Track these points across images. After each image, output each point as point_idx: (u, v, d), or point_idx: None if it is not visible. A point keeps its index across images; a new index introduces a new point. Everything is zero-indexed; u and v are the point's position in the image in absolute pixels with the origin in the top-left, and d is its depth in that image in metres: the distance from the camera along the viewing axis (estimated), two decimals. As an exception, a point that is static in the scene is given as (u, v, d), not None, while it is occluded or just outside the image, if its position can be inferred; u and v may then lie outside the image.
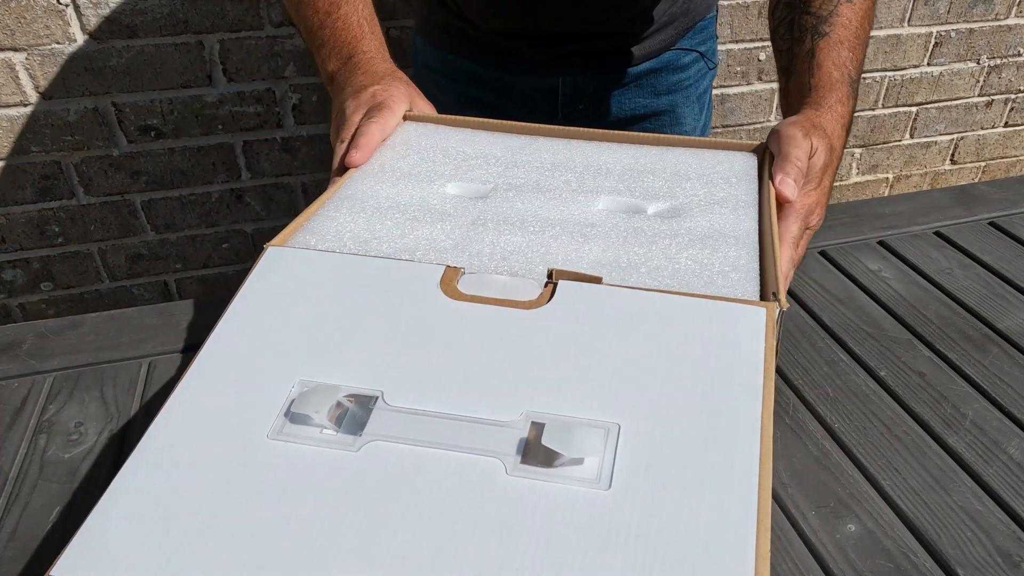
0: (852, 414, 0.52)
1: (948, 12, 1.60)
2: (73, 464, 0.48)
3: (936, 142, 1.83)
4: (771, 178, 0.52)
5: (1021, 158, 1.93)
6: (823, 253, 0.70)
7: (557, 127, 0.61)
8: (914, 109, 1.72)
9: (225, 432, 0.35)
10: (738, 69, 1.53)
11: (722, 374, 0.37)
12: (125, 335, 0.59)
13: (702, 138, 0.60)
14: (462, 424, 0.35)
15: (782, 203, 0.52)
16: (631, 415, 0.35)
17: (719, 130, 1.60)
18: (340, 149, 0.57)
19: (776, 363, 0.38)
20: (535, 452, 0.33)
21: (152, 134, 1.28)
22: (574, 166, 0.56)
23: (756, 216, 0.51)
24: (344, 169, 0.56)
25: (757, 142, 0.59)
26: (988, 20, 1.65)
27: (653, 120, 0.85)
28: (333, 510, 0.32)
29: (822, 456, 0.49)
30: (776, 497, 0.46)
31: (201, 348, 0.39)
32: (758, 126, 1.62)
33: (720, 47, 1.50)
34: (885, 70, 1.64)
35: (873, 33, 1.58)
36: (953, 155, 1.86)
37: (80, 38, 1.17)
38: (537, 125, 0.61)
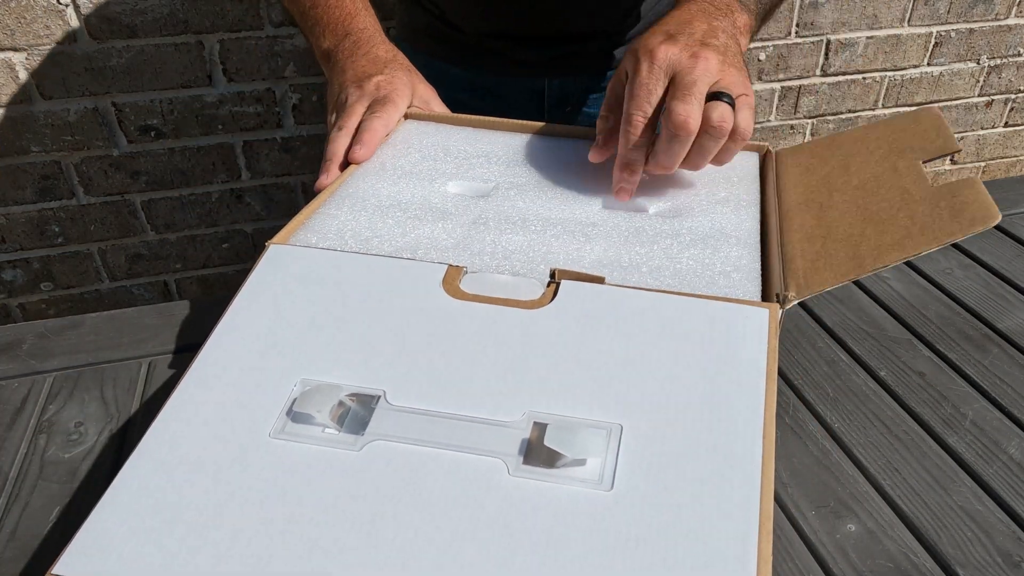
0: (852, 414, 0.52)
1: (948, 12, 1.60)
2: (73, 464, 0.48)
3: (936, 142, 1.82)
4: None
5: (1021, 158, 1.93)
6: (823, 253, 0.70)
7: (560, 126, 0.61)
8: (914, 109, 1.73)
9: (226, 431, 0.35)
10: (738, 69, 1.53)
11: (724, 375, 0.37)
12: (125, 335, 0.59)
13: None
14: (464, 424, 0.35)
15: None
16: (633, 416, 0.35)
17: (719, 130, 1.59)
18: (337, 136, 0.56)
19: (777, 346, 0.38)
20: (537, 452, 0.34)
21: (152, 134, 1.28)
22: (576, 165, 0.56)
23: (758, 216, 0.51)
24: (342, 161, 0.56)
25: (758, 142, 0.59)
26: (988, 20, 1.65)
27: None
28: (335, 510, 0.32)
29: (822, 456, 0.49)
30: (776, 497, 0.46)
31: (202, 347, 0.39)
32: (758, 126, 1.62)
33: (720, 47, 1.49)
34: (885, 70, 1.64)
35: (873, 33, 1.58)
36: (953, 155, 1.86)
37: (80, 38, 1.17)
38: (539, 124, 0.61)
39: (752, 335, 0.39)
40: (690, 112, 0.47)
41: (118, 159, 1.29)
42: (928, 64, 1.67)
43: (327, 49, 0.65)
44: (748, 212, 0.51)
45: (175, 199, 1.36)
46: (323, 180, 0.55)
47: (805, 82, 1.60)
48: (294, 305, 0.41)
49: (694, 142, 0.48)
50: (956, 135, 1.83)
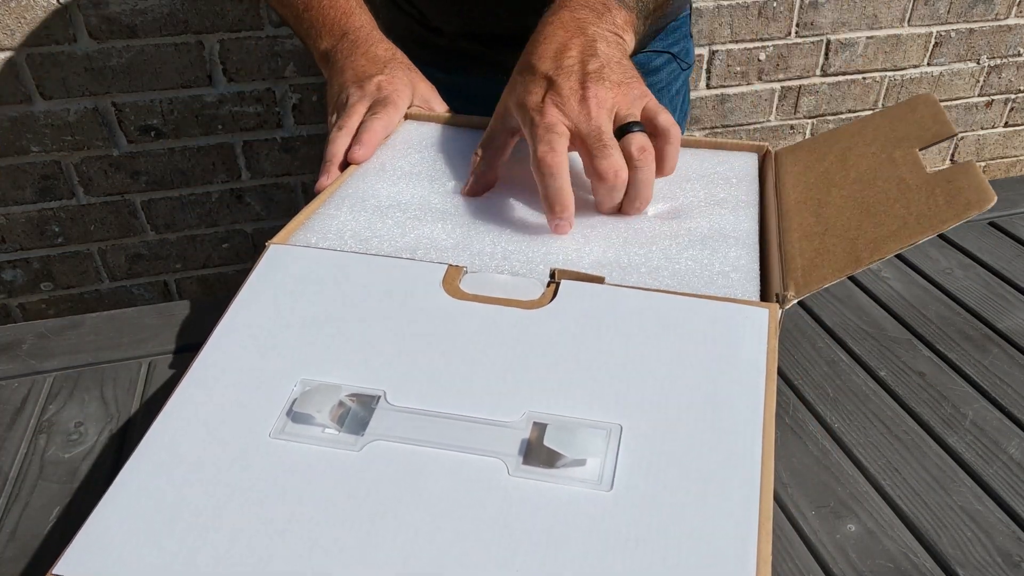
0: (852, 414, 0.52)
1: (948, 12, 1.60)
2: (73, 464, 0.48)
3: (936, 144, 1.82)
4: None
5: (1021, 158, 1.93)
6: (823, 253, 0.70)
7: None
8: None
9: (227, 431, 0.35)
10: (738, 69, 1.54)
11: (724, 375, 0.37)
12: (125, 335, 0.59)
13: (702, 138, 0.60)
14: (464, 424, 0.35)
15: None
16: (633, 416, 0.35)
17: (719, 130, 1.60)
18: (337, 137, 0.56)
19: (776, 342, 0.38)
20: (537, 453, 0.34)
21: (152, 134, 1.28)
22: (575, 165, 0.56)
23: (756, 217, 0.51)
24: (342, 161, 0.56)
25: (758, 142, 0.59)
26: (988, 20, 1.65)
27: None
28: (335, 510, 0.32)
29: (822, 456, 0.49)
30: (776, 497, 0.46)
31: (203, 347, 0.39)
32: (758, 126, 1.62)
33: (720, 47, 1.50)
34: (885, 70, 1.64)
35: (873, 33, 1.58)
36: (953, 155, 1.86)
37: (80, 38, 1.17)
38: None
39: (752, 335, 0.39)
40: (612, 164, 0.47)
41: (118, 159, 1.29)
42: (928, 64, 1.67)
43: (325, 50, 0.65)
44: (747, 212, 0.51)
45: (175, 199, 1.36)
46: (323, 181, 0.55)
47: (805, 82, 1.60)
48: (294, 305, 0.41)
49: (630, 179, 0.49)
50: (956, 134, 1.83)
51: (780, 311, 0.40)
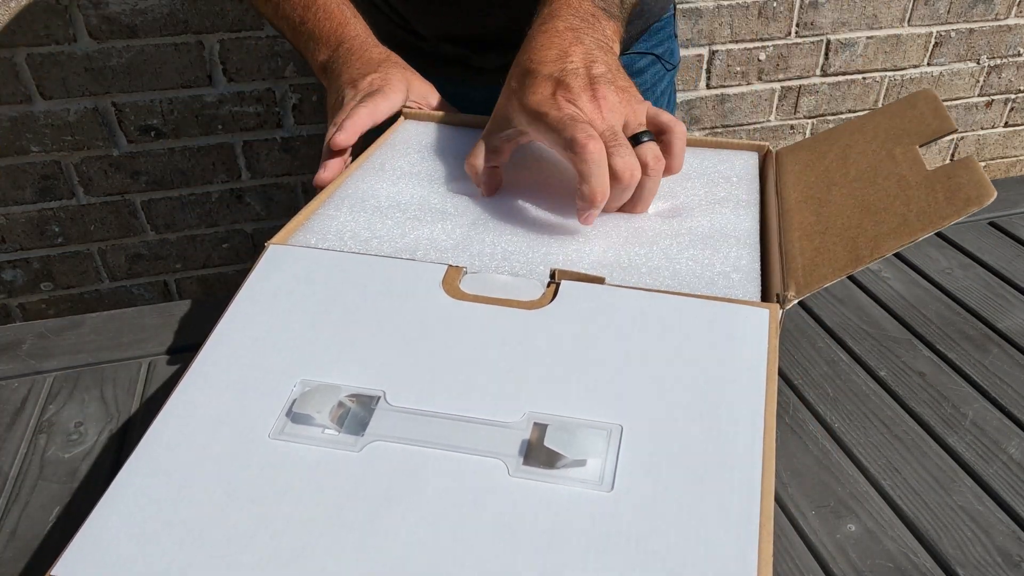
0: (852, 414, 0.52)
1: (948, 12, 1.60)
2: (73, 464, 0.48)
3: (936, 142, 1.83)
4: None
5: (1021, 158, 1.93)
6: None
7: None
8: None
9: (226, 432, 0.35)
10: (738, 69, 1.54)
11: (725, 376, 0.37)
12: (125, 335, 0.59)
13: (703, 138, 0.60)
14: (464, 425, 0.35)
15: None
16: (634, 416, 0.35)
17: (719, 130, 1.60)
18: (331, 133, 0.57)
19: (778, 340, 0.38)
20: (537, 453, 0.33)
21: (152, 134, 1.28)
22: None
23: (757, 216, 0.51)
24: (332, 153, 0.56)
25: (758, 142, 0.59)
26: (988, 20, 1.65)
27: None
28: (334, 510, 0.32)
29: (822, 456, 0.49)
30: (776, 497, 0.46)
31: (202, 347, 0.39)
32: (758, 126, 1.62)
33: (720, 47, 1.50)
34: (885, 70, 1.64)
35: (873, 33, 1.58)
36: (953, 155, 1.86)
37: (80, 38, 1.17)
38: None
39: (752, 335, 0.39)
40: (628, 163, 0.47)
41: (118, 159, 1.29)
42: (928, 64, 1.67)
43: (323, 62, 0.65)
44: (747, 212, 0.51)
45: (175, 199, 1.36)
46: (321, 175, 0.55)
47: (805, 82, 1.60)
48: (294, 305, 0.41)
49: (640, 184, 0.48)
50: (956, 135, 1.83)
51: (780, 311, 0.40)
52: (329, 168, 0.55)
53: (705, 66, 1.51)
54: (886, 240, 0.41)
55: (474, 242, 0.47)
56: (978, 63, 1.71)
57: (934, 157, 1.83)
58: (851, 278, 0.66)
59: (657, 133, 0.51)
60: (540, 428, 0.34)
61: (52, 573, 0.30)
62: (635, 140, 0.48)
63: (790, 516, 0.45)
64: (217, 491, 0.33)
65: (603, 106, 0.48)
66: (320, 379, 0.37)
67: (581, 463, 0.33)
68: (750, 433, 0.34)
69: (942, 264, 0.68)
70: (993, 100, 1.79)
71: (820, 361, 0.57)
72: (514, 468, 0.33)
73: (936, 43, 1.64)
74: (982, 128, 1.83)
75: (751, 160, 0.58)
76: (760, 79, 1.56)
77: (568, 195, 0.52)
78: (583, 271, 0.44)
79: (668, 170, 0.51)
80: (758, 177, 0.56)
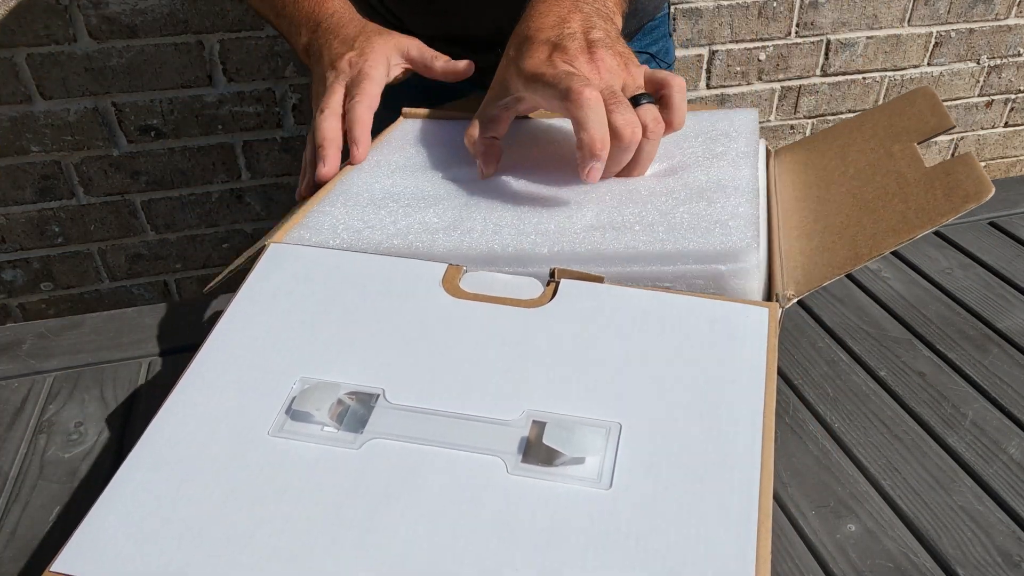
0: (852, 414, 0.52)
1: (948, 12, 1.60)
2: (73, 464, 0.48)
3: (936, 142, 1.83)
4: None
5: (1021, 158, 1.93)
6: (823, 253, 0.70)
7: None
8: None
9: (226, 429, 0.35)
10: (738, 69, 1.54)
11: (724, 374, 0.37)
12: (125, 335, 0.59)
13: (703, 105, 0.59)
14: (463, 422, 0.35)
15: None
16: (632, 415, 0.35)
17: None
18: (323, 119, 0.56)
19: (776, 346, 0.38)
20: (536, 451, 0.33)
21: (152, 134, 1.28)
22: (568, 143, 0.56)
23: (756, 165, 0.50)
24: (325, 147, 0.55)
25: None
26: (988, 20, 1.65)
27: None
28: (333, 508, 0.32)
29: (822, 456, 0.49)
30: (776, 497, 0.46)
31: (202, 346, 0.39)
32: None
33: (720, 47, 1.50)
34: (885, 70, 1.64)
35: (873, 33, 1.58)
36: (953, 155, 1.86)
37: (80, 38, 1.17)
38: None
39: (752, 334, 0.38)
40: (629, 120, 0.46)
41: (118, 159, 1.29)
42: (928, 64, 1.67)
43: (305, 45, 0.64)
44: (746, 162, 0.50)
45: (175, 199, 1.36)
46: (322, 170, 0.54)
47: (805, 82, 1.60)
48: (293, 304, 0.41)
49: (640, 146, 0.48)
50: (956, 135, 1.83)
51: (780, 310, 0.40)
52: (331, 159, 0.54)
53: (705, 66, 1.51)
54: (885, 238, 0.41)
55: (465, 219, 0.46)
56: (978, 63, 1.71)
57: (934, 157, 1.83)
58: (851, 278, 0.66)
59: (655, 90, 0.50)
60: (539, 426, 0.34)
61: (51, 570, 0.30)
62: (634, 102, 0.48)
63: (790, 516, 0.45)
64: (216, 488, 0.33)
65: (601, 67, 0.47)
66: (320, 377, 0.37)
67: (580, 461, 0.33)
68: (749, 432, 0.34)
69: (942, 264, 0.68)
70: (993, 100, 1.79)
71: (820, 361, 0.57)
72: (513, 466, 0.33)
73: (936, 43, 1.64)
74: (982, 128, 1.83)
75: (750, 116, 0.57)
76: (760, 79, 1.56)
77: (561, 172, 0.52)
78: (576, 234, 0.43)
79: (669, 126, 0.50)
80: (757, 131, 0.55)
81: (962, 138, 1.83)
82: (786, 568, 0.42)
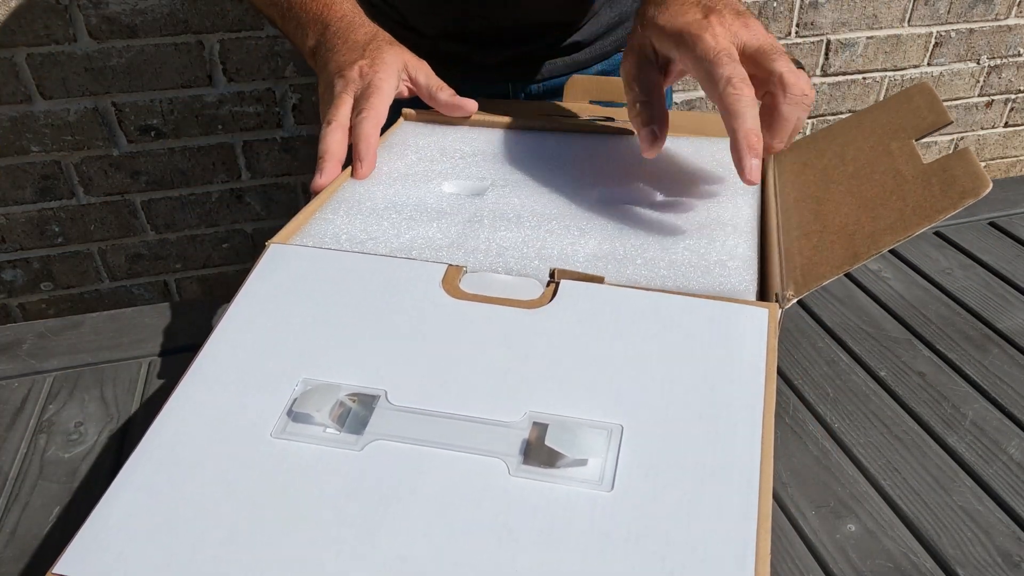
0: (852, 414, 0.52)
1: (948, 12, 1.60)
2: (73, 464, 0.48)
3: (936, 142, 1.83)
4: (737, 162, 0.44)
5: (1021, 158, 1.93)
6: (823, 253, 0.70)
7: (556, 120, 0.61)
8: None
9: (227, 430, 0.35)
10: (738, 69, 1.53)
11: (724, 375, 0.37)
12: (125, 335, 0.59)
13: (697, 113, 0.60)
14: (465, 424, 0.35)
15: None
16: (634, 416, 0.35)
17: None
18: (328, 132, 0.55)
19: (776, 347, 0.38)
20: (537, 453, 0.34)
21: (152, 134, 1.28)
22: (571, 159, 0.56)
23: (754, 204, 0.51)
24: (342, 162, 0.55)
25: None
26: (988, 20, 1.65)
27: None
28: (334, 509, 0.32)
29: (822, 456, 0.49)
30: (776, 497, 0.46)
31: (203, 346, 0.39)
32: (758, 126, 1.62)
33: (720, 47, 1.50)
34: (885, 70, 1.64)
35: (873, 33, 1.58)
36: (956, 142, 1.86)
37: (80, 38, 1.17)
38: (536, 119, 0.61)
39: (751, 335, 0.39)
40: (800, 76, 0.45)
41: (118, 159, 1.29)
42: (928, 64, 1.67)
43: (312, 48, 0.63)
44: (745, 200, 0.51)
45: (175, 199, 1.36)
46: (318, 180, 0.53)
47: (805, 82, 1.60)
48: (295, 305, 0.41)
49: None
50: (956, 135, 1.83)
51: (780, 311, 0.40)
52: (329, 172, 0.54)
53: (705, 66, 1.51)
54: (883, 235, 0.41)
55: (469, 239, 0.47)
56: (978, 63, 1.71)
57: (934, 157, 1.83)
58: (851, 278, 0.66)
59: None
60: (540, 427, 0.34)
61: (54, 571, 0.30)
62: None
63: (790, 516, 0.45)
64: (218, 490, 0.33)
65: (758, 32, 0.46)
66: (321, 378, 0.37)
67: (582, 463, 0.33)
68: (749, 432, 0.34)
69: (942, 264, 0.68)
70: (993, 100, 1.79)
71: (820, 361, 0.57)
72: (514, 467, 0.33)
73: (936, 43, 1.64)
74: (982, 128, 1.83)
75: None
76: (760, 79, 1.56)
77: (565, 190, 0.52)
78: (578, 263, 0.44)
79: (773, 135, 0.47)
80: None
81: (962, 138, 1.83)
82: (786, 568, 0.42)
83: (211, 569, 0.30)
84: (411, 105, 0.64)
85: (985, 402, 0.53)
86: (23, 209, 1.30)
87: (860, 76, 1.63)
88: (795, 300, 0.41)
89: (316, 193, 0.53)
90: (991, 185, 0.39)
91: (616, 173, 0.55)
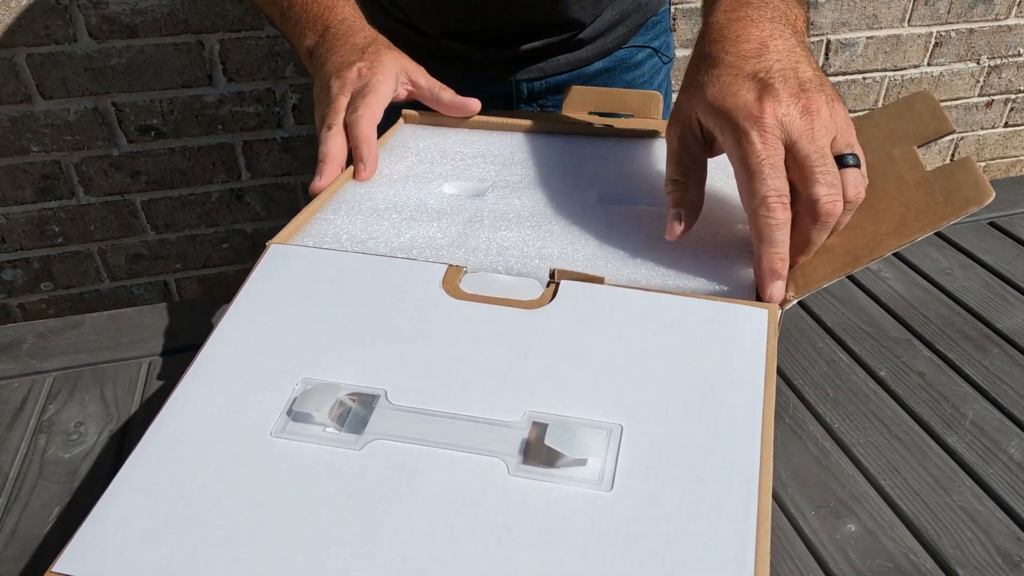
0: (852, 414, 0.52)
1: (948, 12, 1.60)
2: (73, 464, 0.48)
3: (936, 142, 1.83)
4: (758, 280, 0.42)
5: (1021, 158, 1.93)
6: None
7: (556, 123, 0.61)
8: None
9: (227, 430, 0.35)
10: (738, 69, 1.53)
11: (724, 375, 0.37)
12: (125, 335, 0.59)
13: None
14: (464, 424, 0.35)
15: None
16: (633, 416, 0.35)
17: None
18: (327, 136, 0.55)
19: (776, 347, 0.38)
20: (537, 452, 0.34)
21: (152, 134, 1.28)
22: (571, 161, 0.56)
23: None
24: (342, 164, 0.55)
25: None
26: (988, 20, 1.65)
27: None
28: (334, 509, 0.32)
29: (822, 456, 0.49)
30: (776, 497, 0.46)
31: (202, 347, 0.39)
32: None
33: (720, 47, 1.50)
34: (885, 70, 1.64)
35: (873, 33, 1.58)
36: (953, 155, 1.86)
37: (80, 38, 1.17)
38: (536, 121, 0.61)
39: (751, 335, 0.39)
40: (834, 196, 0.41)
41: (118, 159, 1.29)
42: (928, 64, 1.67)
43: (310, 48, 0.63)
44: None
45: (175, 199, 1.36)
46: (317, 183, 0.53)
47: (805, 82, 1.60)
48: (295, 304, 0.41)
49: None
50: (956, 135, 1.83)
51: (780, 311, 0.40)
52: (328, 175, 0.54)
53: (705, 66, 1.51)
54: (885, 240, 0.41)
55: (469, 239, 0.47)
56: (978, 63, 1.71)
57: (934, 157, 1.83)
58: (851, 278, 0.66)
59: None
60: (540, 427, 0.34)
61: (53, 570, 0.30)
62: (840, 162, 0.42)
63: (790, 516, 0.45)
64: (218, 489, 0.33)
65: (816, 122, 0.41)
66: (321, 378, 0.37)
67: (581, 462, 0.33)
68: (748, 433, 0.34)
69: (942, 264, 0.68)
70: (993, 100, 1.79)
71: (820, 361, 0.57)
72: (514, 467, 0.33)
73: (936, 43, 1.64)
74: (982, 128, 1.83)
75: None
76: (760, 79, 1.56)
77: (564, 191, 0.52)
78: (578, 264, 0.44)
79: (800, 247, 0.43)
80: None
81: (962, 138, 1.83)
82: (786, 568, 0.42)
83: (211, 568, 0.30)
84: (408, 108, 0.64)
85: (985, 402, 0.53)
86: (23, 209, 1.30)
87: (860, 76, 1.63)
88: (795, 301, 0.41)
89: (315, 195, 0.53)
90: (994, 194, 0.39)
91: (616, 174, 0.55)
